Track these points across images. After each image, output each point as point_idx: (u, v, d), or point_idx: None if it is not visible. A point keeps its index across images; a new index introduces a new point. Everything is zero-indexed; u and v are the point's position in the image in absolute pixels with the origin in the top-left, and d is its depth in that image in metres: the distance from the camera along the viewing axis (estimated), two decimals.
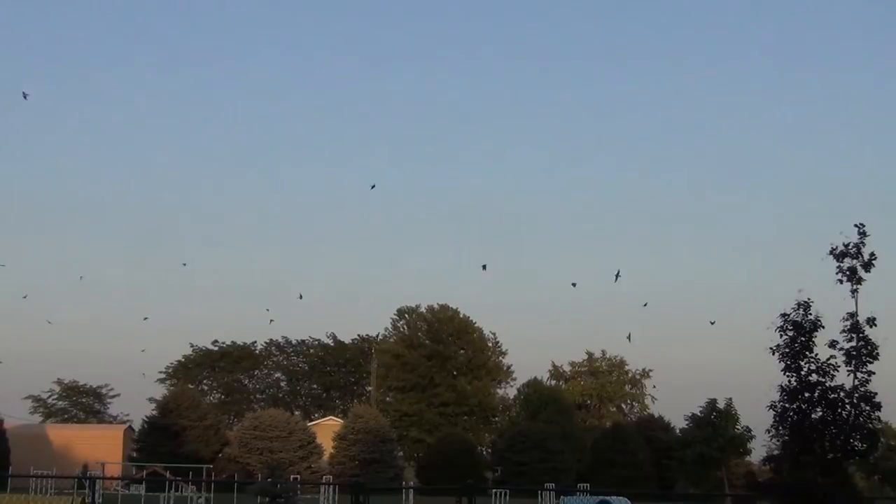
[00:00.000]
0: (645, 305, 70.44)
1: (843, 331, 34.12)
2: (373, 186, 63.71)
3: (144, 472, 62.22)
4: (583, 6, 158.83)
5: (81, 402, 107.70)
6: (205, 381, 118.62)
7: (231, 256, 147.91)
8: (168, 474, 59.44)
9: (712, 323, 58.01)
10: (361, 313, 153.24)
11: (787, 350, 34.68)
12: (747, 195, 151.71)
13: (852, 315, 33.97)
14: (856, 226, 34.27)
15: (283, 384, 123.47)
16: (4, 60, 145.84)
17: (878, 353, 33.81)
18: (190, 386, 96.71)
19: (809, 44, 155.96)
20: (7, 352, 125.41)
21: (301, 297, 69.61)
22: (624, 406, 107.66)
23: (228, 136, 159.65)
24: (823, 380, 34.50)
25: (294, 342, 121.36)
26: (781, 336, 34.95)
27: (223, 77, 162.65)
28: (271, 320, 69.07)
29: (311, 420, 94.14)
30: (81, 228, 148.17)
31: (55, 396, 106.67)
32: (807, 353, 34.71)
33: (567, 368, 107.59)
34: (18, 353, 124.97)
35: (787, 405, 34.73)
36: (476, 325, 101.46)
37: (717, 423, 74.75)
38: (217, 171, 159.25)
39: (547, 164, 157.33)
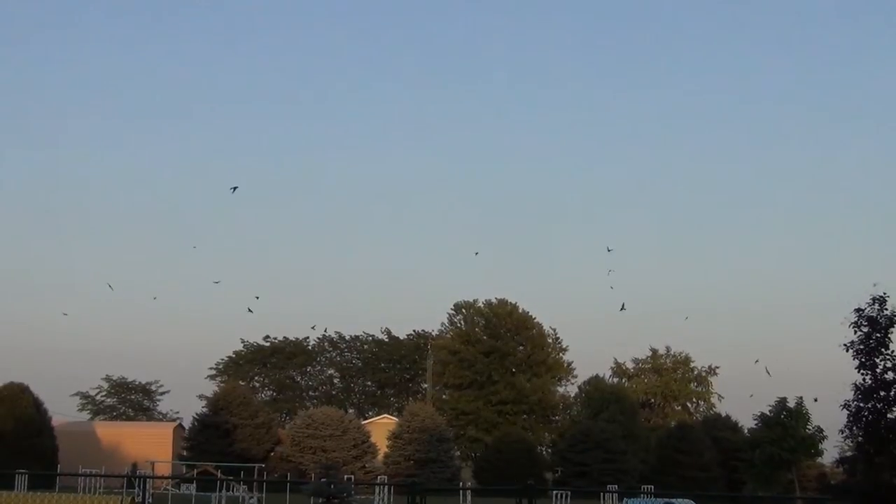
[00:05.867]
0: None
1: None
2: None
3: (195, 472, 61.51)
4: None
5: (130, 399, 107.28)
6: (256, 378, 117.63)
7: (282, 249, 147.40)
8: (219, 474, 58.59)
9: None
10: (417, 308, 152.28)
11: (861, 347, 33.52)
12: (820, 186, 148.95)
13: None
14: None
15: (336, 381, 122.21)
16: None
17: None
18: (241, 383, 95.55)
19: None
20: (55, 348, 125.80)
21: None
22: (689, 405, 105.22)
23: (268, 129, 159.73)
24: None
25: (347, 338, 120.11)
26: (856, 332, 33.68)
27: (248, 73, 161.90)
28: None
29: (366, 418, 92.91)
30: (128, 224, 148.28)
31: (104, 393, 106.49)
32: (882, 349, 33.59)
33: (630, 365, 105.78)
34: (66, 349, 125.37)
35: (861, 404, 33.57)
36: (535, 320, 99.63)
37: (787, 422, 72.52)
38: (265, 163, 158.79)
39: (610, 157, 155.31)
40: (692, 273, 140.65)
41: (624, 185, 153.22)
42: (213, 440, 70.62)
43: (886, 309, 32.91)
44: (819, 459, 78.20)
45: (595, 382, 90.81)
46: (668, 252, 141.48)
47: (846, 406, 33.36)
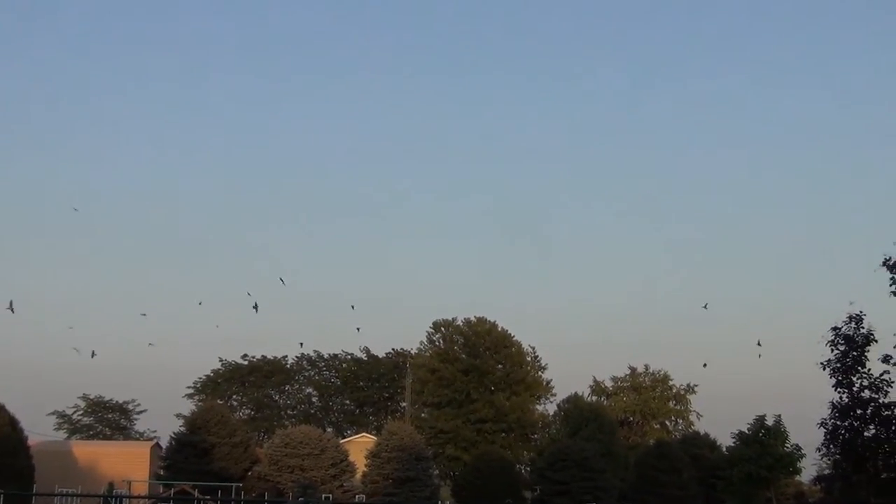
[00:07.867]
0: (705, 307, 67.93)
1: None
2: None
3: (172, 491, 61.22)
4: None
5: (107, 418, 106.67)
6: (234, 397, 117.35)
7: (261, 268, 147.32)
8: (196, 493, 58.27)
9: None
10: (396, 326, 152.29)
11: (838, 365, 33.60)
12: (796, 205, 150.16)
13: None
14: None
15: (314, 400, 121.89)
16: None
17: None
18: (219, 401, 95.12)
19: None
20: (32, 367, 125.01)
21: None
22: (668, 423, 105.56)
23: (256, 152, 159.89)
24: (877, 396, 33.29)
25: (326, 356, 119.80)
26: (832, 350, 33.61)
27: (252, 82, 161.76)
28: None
29: (344, 437, 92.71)
30: (107, 241, 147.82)
31: (80, 412, 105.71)
32: (859, 368, 33.52)
33: (609, 384, 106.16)
34: (43, 368, 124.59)
35: (838, 422, 33.53)
36: (514, 338, 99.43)
37: (765, 440, 72.49)
38: (247, 186, 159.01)
39: (590, 175, 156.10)
40: (679, 288, 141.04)
41: (604, 204, 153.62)
42: (190, 459, 69.99)
43: (863, 327, 32.77)
44: (797, 477, 78.47)
45: (574, 400, 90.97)
46: (654, 268, 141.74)
47: (823, 424, 33.19)
